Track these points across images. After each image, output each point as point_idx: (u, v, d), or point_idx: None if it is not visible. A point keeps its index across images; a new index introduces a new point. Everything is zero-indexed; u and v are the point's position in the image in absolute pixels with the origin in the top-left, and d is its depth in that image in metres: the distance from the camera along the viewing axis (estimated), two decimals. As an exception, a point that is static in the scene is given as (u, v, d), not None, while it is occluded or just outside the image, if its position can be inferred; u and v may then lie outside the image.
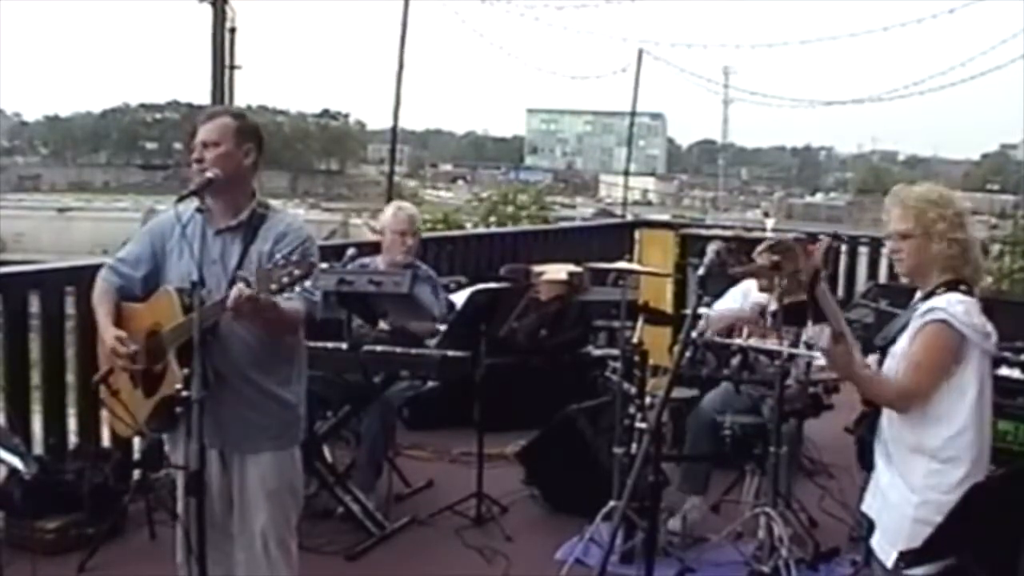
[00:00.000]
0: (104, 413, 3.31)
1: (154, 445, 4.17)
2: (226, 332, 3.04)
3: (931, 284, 2.90)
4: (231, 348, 3.07)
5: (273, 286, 2.80)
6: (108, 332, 3.13)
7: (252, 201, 3.16)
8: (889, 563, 2.82)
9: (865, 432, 3.03)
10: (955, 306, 2.79)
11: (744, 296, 4.99)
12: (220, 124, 3.10)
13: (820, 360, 4.18)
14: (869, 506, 3.04)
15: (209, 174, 3.01)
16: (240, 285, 2.84)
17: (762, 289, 4.93)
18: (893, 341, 2.92)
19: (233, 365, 3.09)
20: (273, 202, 3.30)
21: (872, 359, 2.99)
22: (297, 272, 2.80)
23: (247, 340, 3.09)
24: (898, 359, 2.87)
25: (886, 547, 2.86)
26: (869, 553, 3.01)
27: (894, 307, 4.70)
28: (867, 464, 3.08)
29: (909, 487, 2.82)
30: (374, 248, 5.45)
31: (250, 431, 3.16)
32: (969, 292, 2.86)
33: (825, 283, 2.98)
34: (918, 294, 2.98)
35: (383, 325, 4.78)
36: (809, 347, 4.31)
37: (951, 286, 2.85)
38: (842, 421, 2.96)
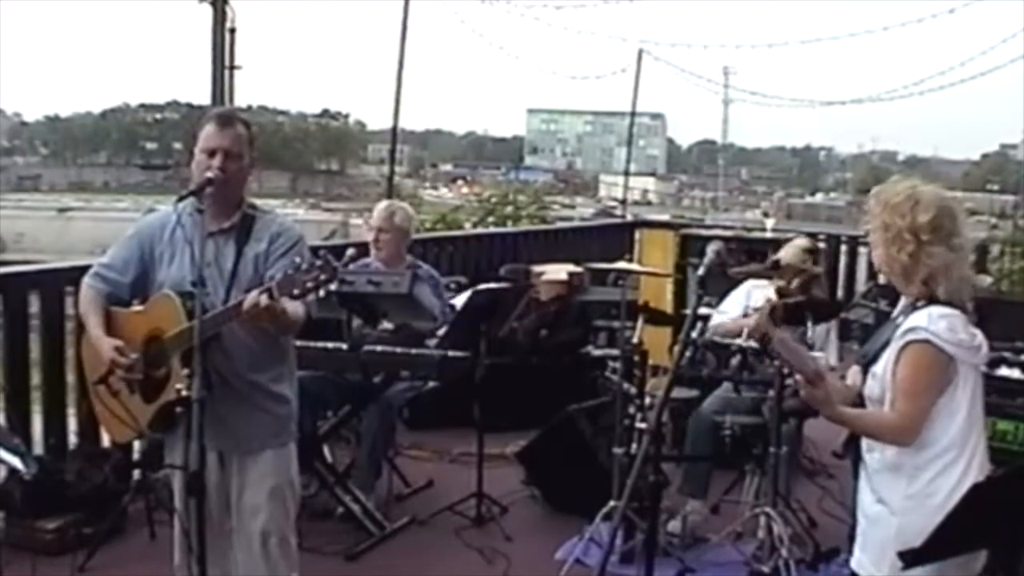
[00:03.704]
0: (103, 415, 3.27)
1: (154, 445, 4.16)
2: (227, 334, 3.03)
3: (911, 293, 2.68)
4: (232, 350, 3.07)
5: (296, 291, 2.79)
6: (104, 342, 3.09)
7: (243, 203, 3.16)
8: None
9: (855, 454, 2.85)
10: (937, 323, 2.56)
11: (747, 296, 4.98)
12: (239, 135, 3.08)
13: (819, 354, 4.18)
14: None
15: (209, 174, 2.99)
16: (254, 293, 2.83)
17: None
18: (875, 359, 2.72)
19: (234, 367, 3.08)
20: (272, 202, 3.30)
21: (853, 372, 2.83)
22: (323, 277, 2.79)
23: (247, 342, 3.08)
24: (880, 380, 2.67)
25: (868, 567, 2.74)
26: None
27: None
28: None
29: (889, 508, 2.66)
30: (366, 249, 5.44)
31: (252, 431, 3.15)
32: (951, 304, 2.61)
33: (784, 334, 2.78)
34: (902, 300, 2.77)
35: (386, 324, 4.78)
36: (810, 347, 4.33)
37: (932, 298, 2.61)
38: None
